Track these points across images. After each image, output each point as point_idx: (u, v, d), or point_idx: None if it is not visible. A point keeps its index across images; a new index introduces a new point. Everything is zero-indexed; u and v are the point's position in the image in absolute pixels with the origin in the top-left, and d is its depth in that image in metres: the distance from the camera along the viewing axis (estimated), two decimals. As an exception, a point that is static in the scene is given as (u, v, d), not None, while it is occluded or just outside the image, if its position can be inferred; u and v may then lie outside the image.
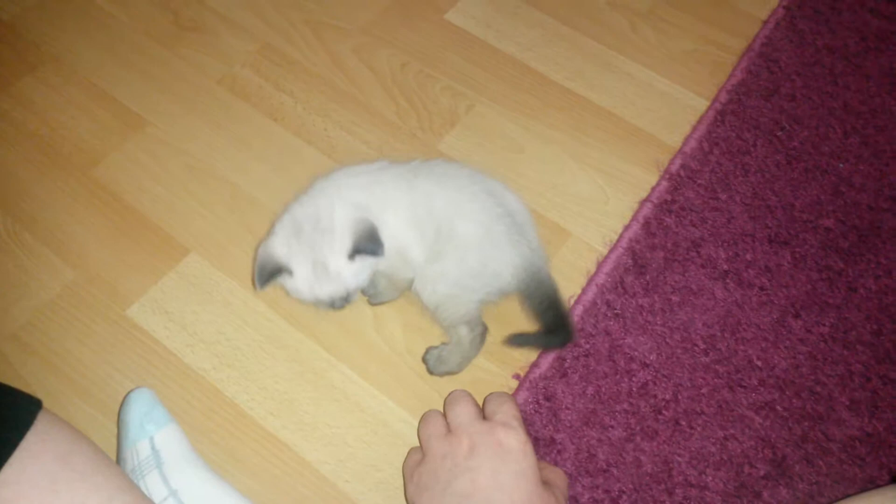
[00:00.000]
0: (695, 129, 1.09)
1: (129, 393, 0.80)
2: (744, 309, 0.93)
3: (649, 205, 1.01)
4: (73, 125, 1.08)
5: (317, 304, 0.86)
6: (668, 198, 1.02)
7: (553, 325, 0.85)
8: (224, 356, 0.90)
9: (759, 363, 0.89)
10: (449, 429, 0.75)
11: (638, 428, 0.84)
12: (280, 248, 0.83)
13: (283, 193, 1.02)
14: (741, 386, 0.87)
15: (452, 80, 1.14)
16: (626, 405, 0.86)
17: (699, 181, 1.03)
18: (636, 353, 0.90)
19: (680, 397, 0.86)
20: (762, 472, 0.82)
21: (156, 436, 0.76)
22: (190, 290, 0.94)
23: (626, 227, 1.00)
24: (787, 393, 0.87)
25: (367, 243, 0.81)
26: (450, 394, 0.79)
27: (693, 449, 0.83)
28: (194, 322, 0.92)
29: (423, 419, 0.78)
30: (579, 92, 1.13)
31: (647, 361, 0.89)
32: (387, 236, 0.83)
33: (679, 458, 0.83)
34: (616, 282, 0.95)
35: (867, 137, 1.08)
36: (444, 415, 0.77)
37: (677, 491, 0.81)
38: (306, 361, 0.90)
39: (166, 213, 1.00)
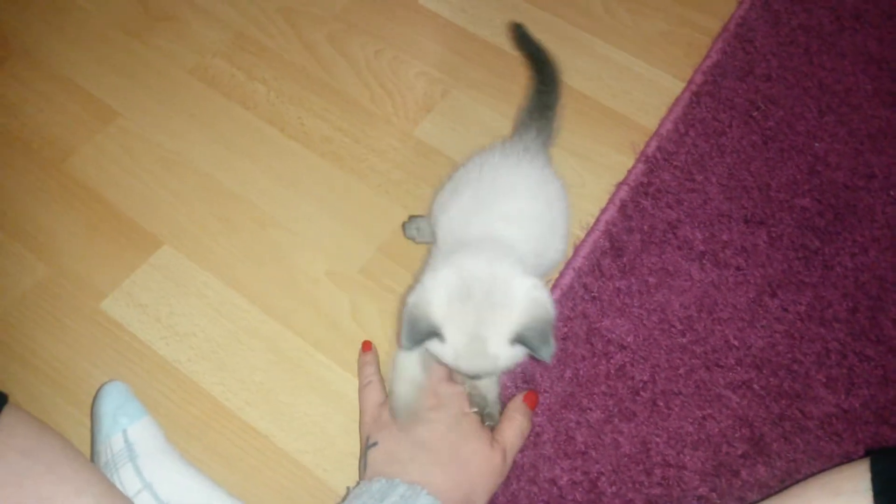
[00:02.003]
0: (670, 110, 1.08)
1: (101, 386, 0.79)
2: (720, 289, 0.93)
3: (626, 188, 1.01)
4: (43, 119, 1.06)
5: (454, 369, 0.75)
6: (645, 180, 1.02)
7: None
8: (199, 348, 0.89)
9: (735, 343, 0.89)
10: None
11: (616, 410, 0.84)
12: (439, 308, 0.70)
13: (257, 183, 1.02)
14: (718, 366, 0.88)
15: (427, 66, 1.13)
16: (603, 387, 0.86)
17: (675, 163, 1.03)
18: (613, 336, 0.90)
19: (657, 378, 0.86)
20: (740, 451, 0.82)
21: (129, 429, 0.75)
22: (164, 283, 0.94)
23: (603, 211, 1.00)
24: (764, 371, 0.87)
25: (539, 341, 0.68)
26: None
27: (671, 429, 0.83)
28: (169, 314, 0.91)
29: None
30: (554, 75, 1.12)
31: (625, 343, 0.89)
32: None
33: (657, 439, 0.83)
34: (593, 265, 0.95)
35: (842, 116, 1.08)
36: None
37: (656, 471, 0.81)
38: (283, 351, 0.90)
39: (138, 205, 0.99)
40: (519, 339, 0.69)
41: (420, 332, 0.69)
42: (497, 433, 0.77)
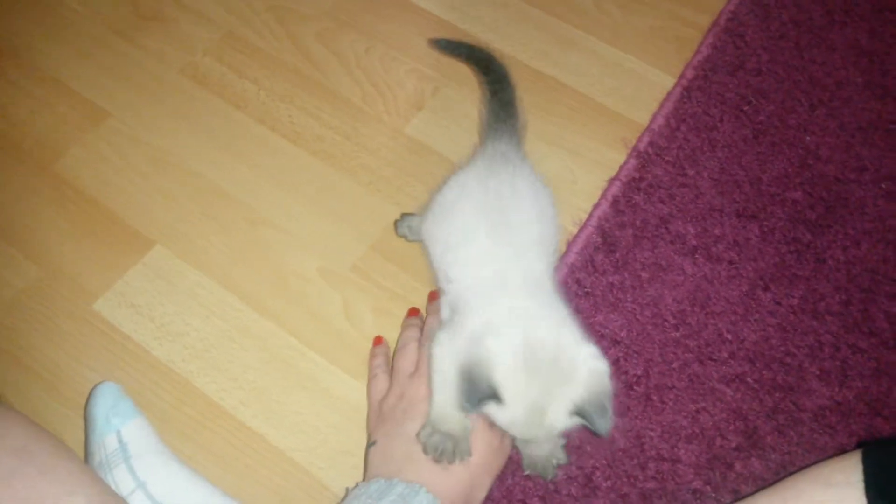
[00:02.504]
0: (662, 105, 1.08)
1: (94, 387, 0.79)
2: (713, 283, 0.93)
3: (618, 183, 1.01)
4: (33, 120, 1.06)
5: (505, 430, 0.72)
6: (637, 175, 1.02)
7: None
8: (192, 348, 0.89)
9: (729, 336, 0.89)
10: (418, 366, 0.77)
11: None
12: (503, 374, 0.67)
13: (248, 182, 1.02)
14: (712, 359, 0.88)
15: (418, 63, 1.13)
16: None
17: (667, 158, 1.03)
18: (607, 331, 0.90)
19: (651, 372, 0.87)
20: (734, 444, 0.83)
21: (123, 429, 0.75)
22: (156, 283, 0.93)
23: (595, 206, 1.00)
24: (758, 365, 0.87)
25: (598, 416, 0.66)
26: (426, 325, 0.82)
27: (665, 423, 0.83)
28: (162, 314, 0.91)
29: (399, 350, 0.81)
30: (545, 71, 1.12)
31: (618, 338, 0.89)
32: None
33: (651, 433, 0.83)
34: (586, 260, 0.95)
35: (833, 110, 1.08)
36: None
37: (650, 465, 0.81)
38: (276, 350, 0.89)
39: (130, 206, 0.99)
40: (578, 412, 0.67)
41: (480, 395, 0.66)
42: None
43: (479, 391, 0.66)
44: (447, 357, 0.72)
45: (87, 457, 0.77)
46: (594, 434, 0.67)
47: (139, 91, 1.09)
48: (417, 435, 0.72)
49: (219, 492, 0.75)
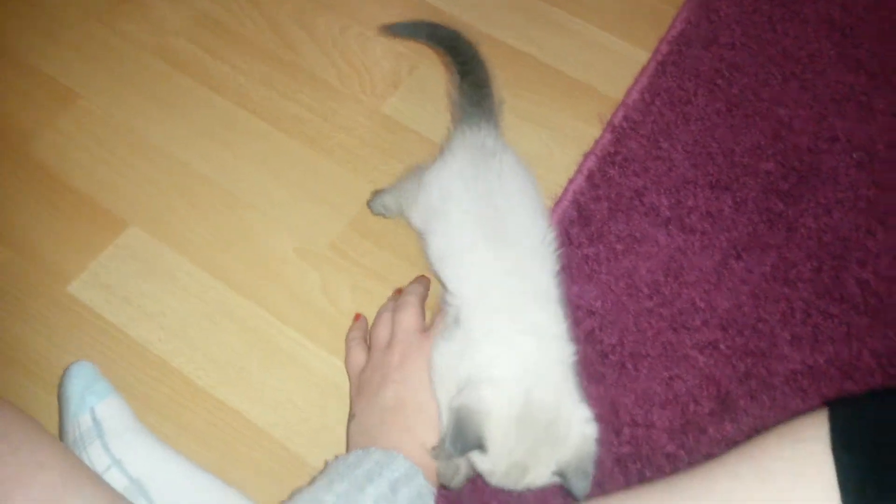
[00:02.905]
0: (636, 80, 1.09)
1: (68, 367, 0.79)
2: (686, 254, 0.94)
3: (593, 157, 1.02)
4: (4, 103, 1.05)
5: (469, 475, 0.72)
6: (612, 150, 1.02)
7: None
8: (169, 328, 0.89)
9: (702, 305, 0.90)
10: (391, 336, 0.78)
11: (585, 373, 0.84)
12: (496, 426, 0.66)
13: (224, 163, 1.01)
14: (685, 327, 0.89)
15: (394, 42, 1.12)
16: (577, 347, 0.86)
17: (641, 132, 1.04)
18: (582, 302, 0.90)
19: (625, 341, 0.87)
20: (707, 409, 0.84)
21: (97, 407, 0.75)
22: (132, 264, 0.93)
23: (571, 181, 1.00)
24: (730, 332, 0.89)
25: (580, 481, 0.66)
26: (400, 297, 0.82)
27: (639, 390, 0.84)
28: (138, 295, 0.91)
29: (375, 321, 0.82)
30: (521, 48, 1.12)
31: (593, 309, 0.90)
32: None
33: (625, 400, 0.84)
34: (562, 234, 0.95)
35: (806, 82, 1.09)
36: None
37: (625, 430, 0.82)
38: (254, 328, 0.89)
39: (103, 188, 0.98)
40: (560, 474, 0.67)
41: (467, 442, 0.65)
42: None
43: (465, 440, 0.65)
44: (446, 370, 0.72)
45: (61, 436, 0.77)
46: (570, 495, 0.67)
47: (112, 74, 1.08)
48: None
49: (197, 468, 0.75)
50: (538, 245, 0.78)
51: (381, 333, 0.80)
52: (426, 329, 0.79)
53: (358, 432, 0.75)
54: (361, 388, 0.78)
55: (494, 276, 0.75)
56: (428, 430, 0.71)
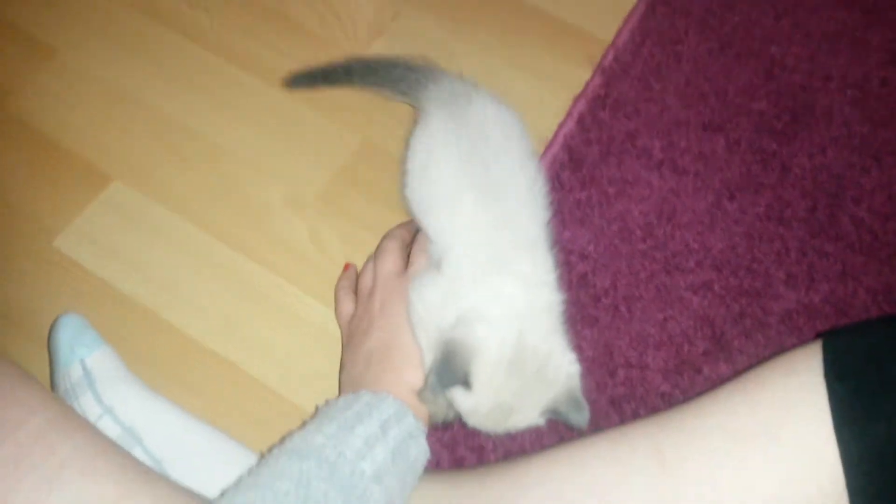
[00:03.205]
0: (626, 21, 1.07)
1: (57, 318, 0.78)
2: (679, 196, 0.93)
3: (583, 101, 1.00)
4: (-21, 59, 1.03)
5: (459, 414, 0.70)
6: (602, 92, 1.00)
7: None
8: (157, 280, 0.88)
9: (695, 246, 0.89)
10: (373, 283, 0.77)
11: (579, 316, 0.85)
12: (484, 364, 0.65)
13: (207, 115, 0.99)
14: (678, 269, 0.88)
15: (376, -12, 1.09)
16: (566, 296, 0.86)
17: (632, 73, 1.02)
18: (574, 247, 0.89)
19: (618, 284, 0.87)
20: (701, 349, 0.83)
21: (87, 358, 0.74)
22: (117, 218, 0.92)
23: (561, 125, 0.99)
24: (724, 272, 0.88)
25: (575, 411, 0.66)
26: (381, 242, 0.82)
27: (633, 332, 0.84)
28: (124, 249, 0.90)
29: (361, 270, 0.81)
30: (508, -9, 1.10)
31: (586, 253, 0.89)
32: None
33: (620, 342, 0.83)
34: (553, 178, 0.94)
35: (798, 19, 1.07)
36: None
37: (619, 372, 0.82)
38: (243, 279, 0.89)
39: (85, 142, 0.96)
40: (551, 412, 0.67)
41: (452, 379, 0.64)
42: None
43: (451, 374, 0.64)
44: (426, 314, 0.70)
45: (52, 388, 0.76)
46: (573, 429, 0.67)
47: (88, 25, 1.05)
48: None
49: (190, 416, 0.75)
50: (526, 192, 0.76)
51: (365, 281, 0.79)
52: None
53: (348, 381, 0.74)
54: (351, 337, 0.77)
55: (482, 225, 0.73)
56: (415, 372, 0.70)
